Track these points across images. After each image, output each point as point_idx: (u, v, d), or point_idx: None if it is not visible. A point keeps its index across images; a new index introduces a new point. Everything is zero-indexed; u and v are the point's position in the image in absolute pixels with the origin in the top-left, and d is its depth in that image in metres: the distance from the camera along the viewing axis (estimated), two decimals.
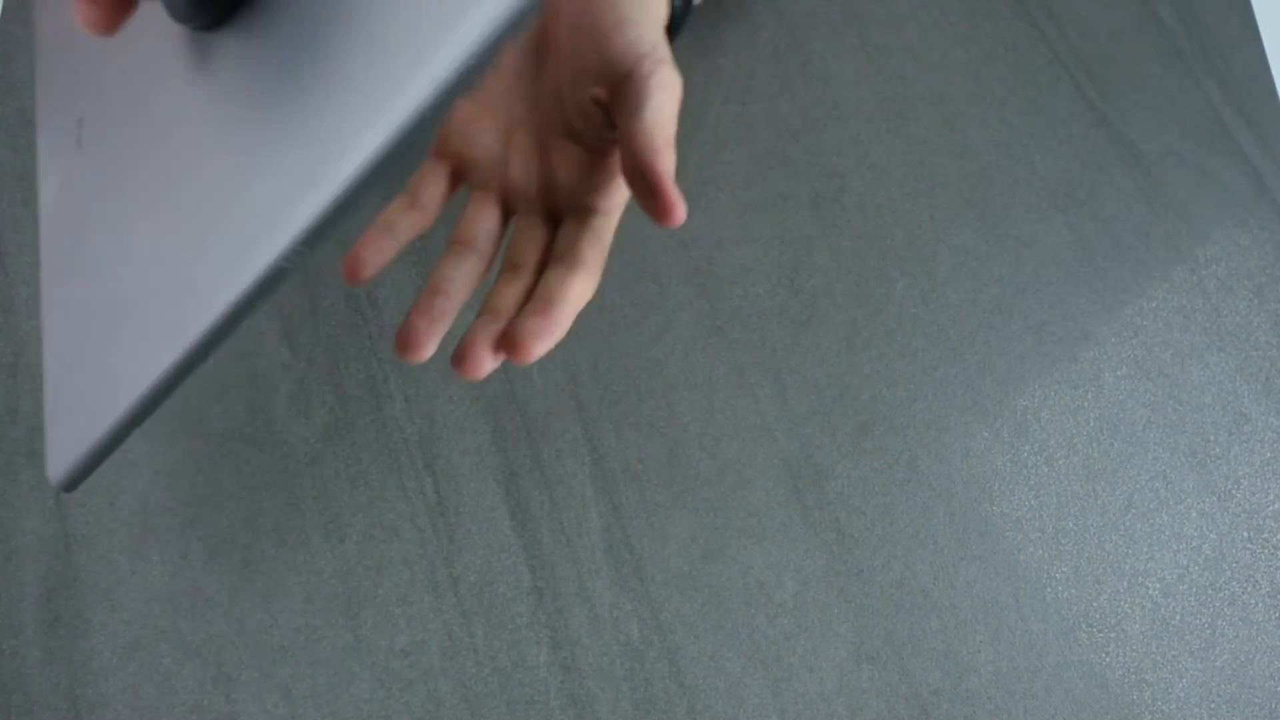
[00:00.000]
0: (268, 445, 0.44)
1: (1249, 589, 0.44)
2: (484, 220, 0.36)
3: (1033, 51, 0.53)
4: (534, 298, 0.33)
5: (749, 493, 0.44)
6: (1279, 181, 0.51)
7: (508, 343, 0.31)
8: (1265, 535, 0.45)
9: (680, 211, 0.32)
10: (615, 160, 0.36)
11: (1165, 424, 0.46)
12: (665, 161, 0.32)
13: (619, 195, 0.35)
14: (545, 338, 0.31)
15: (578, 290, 0.33)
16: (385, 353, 0.46)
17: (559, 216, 0.36)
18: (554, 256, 0.34)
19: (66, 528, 0.41)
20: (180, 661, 0.40)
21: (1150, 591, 0.44)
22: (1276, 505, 0.46)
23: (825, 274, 0.45)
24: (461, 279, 0.34)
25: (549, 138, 0.37)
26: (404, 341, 0.32)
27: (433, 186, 0.36)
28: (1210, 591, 0.44)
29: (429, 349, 0.32)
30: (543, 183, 0.36)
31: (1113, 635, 0.43)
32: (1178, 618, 0.43)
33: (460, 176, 0.37)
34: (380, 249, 0.33)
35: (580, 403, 0.45)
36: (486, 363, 0.31)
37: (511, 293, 0.34)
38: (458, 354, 0.32)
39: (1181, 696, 0.42)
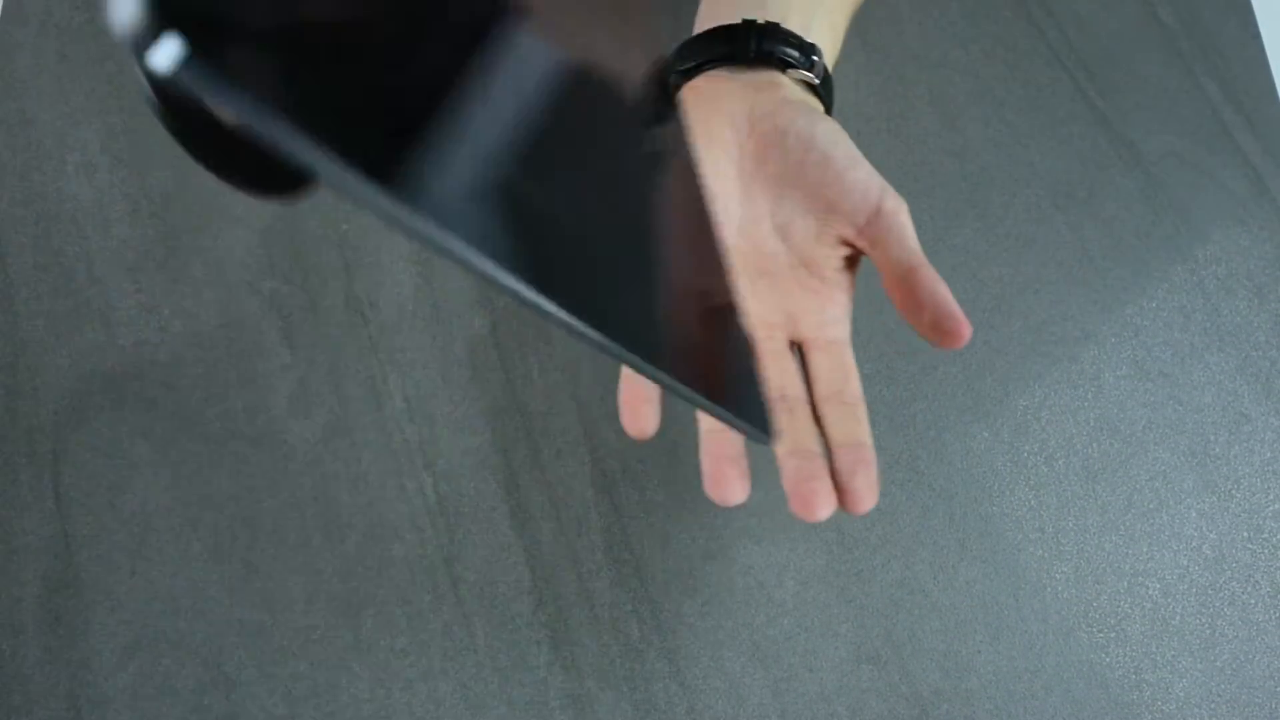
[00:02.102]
0: (268, 445, 0.44)
1: (1249, 589, 0.44)
2: None
3: (1033, 51, 0.53)
4: (845, 443, 0.35)
5: (749, 493, 0.44)
6: (1279, 181, 0.51)
7: (849, 498, 0.34)
8: (1265, 535, 0.45)
9: (968, 331, 0.34)
10: (847, 289, 0.38)
11: (1165, 424, 0.46)
12: (947, 291, 0.35)
13: (850, 321, 0.38)
14: (876, 487, 0.34)
15: (869, 428, 0.36)
16: (385, 353, 0.46)
17: (798, 344, 0.38)
18: (831, 397, 0.36)
19: (66, 528, 0.41)
20: (180, 661, 0.40)
21: (1150, 591, 0.44)
22: (1276, 505, 0.46)
23: None
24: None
25: (770, 265, 0.38)
26: (719, 491, 0.34)
27: None
28: (1210, 591, 0.44)
29: (744, 487, 0.35)
30: (781, 313, 0.38)
31: (1113, 635, 0.43)
32: (1178, 618, 0.43)
33: None
34: (650, 397, 0.36)
35: (580, 403, 0.45)
36: (829, 509, 0.34)
37: (807, 429, 0.36)
38: (801, 500, 0.34)
39: (1181, 696, 0.42)
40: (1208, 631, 0.43)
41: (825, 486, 0.34)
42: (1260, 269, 0.49)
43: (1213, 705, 0.42)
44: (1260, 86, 0.54)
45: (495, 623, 0.41)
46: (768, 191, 0.38)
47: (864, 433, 0.35)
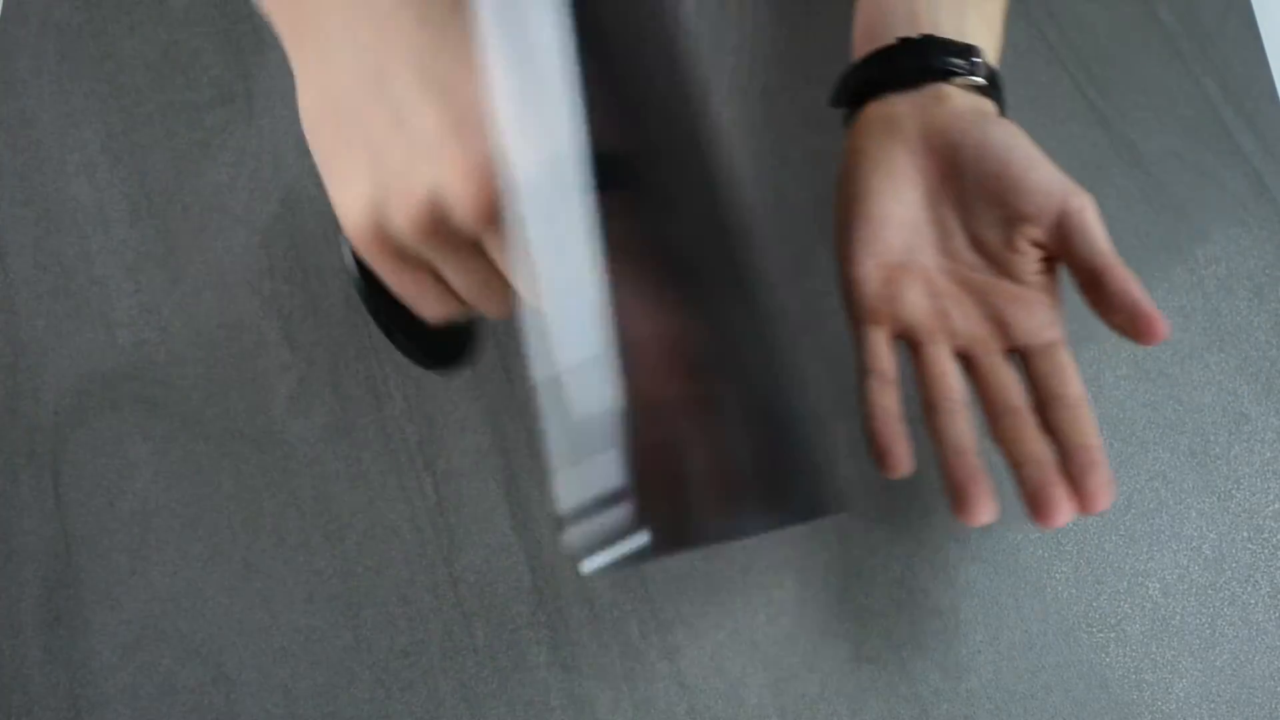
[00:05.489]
0: (268, 445, 0.44)
1: (1249, 589, 0.44)
2: (951, 374, 0.38)
3: (1032, 52, 0.53)
4: (1074, 446, 0.36)
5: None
6: (1279, 181, 0.51)
7: (1085, 500, 0.35)
8: (1265, 535, 0.45)
9: (1164, 328, 0.35)
10: (1051, 290, 0.38)
11: (1165, 424, 0.46)
12: (1139, 288, 0.36)
13: (1061, 322, 0.38)
14: (1110, 485, 0.35)
15: (1096, 427, 0.36)
16: (385, 353, 0.46)
17: (1016, 352, 0.39)
18: (1053, 400, 0.37)
19: (66, 528, 0.41)
20: (180, 661, 0.40)
21: (1150, 591, 0.44)
22: (1276, 505, 0.46)
23: (825, 275, 0.45)
24: (969, 432, 0.37)
25: (974, 280, 0.39)
26: (971, 509, 0.35)
27: (887, 357, 0.38)
28: (1210, 591, 0.44)
29: (989, 503, 0.35)
30: (993, 325, 0.38)
31: (1113, 635, 0.43)
32: (1178, 618, 0.44)
33: (896, 337, 0.39)
34: (901, 434, 0.37)
35: None
36: (1068, 515, 0.35)
37: (1036, 438, 0.36)
38: (1041, 507, 0.35)
39: (1181, 696, 0.42)
40: (1208, 631, 0.43)
41: (1061, 492, 0.35)
42: (1260, 269, 0.49)
43: (1213, 705, 0.42)
44: (1260, 86, 0.54)
45: (495, 623, 0.42)
46: (954, 207, 0.39)
47: (1090, 433, 0.36)
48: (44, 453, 0.42)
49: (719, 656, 0.41)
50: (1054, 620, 0.43)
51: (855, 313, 0.39)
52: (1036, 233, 0.37)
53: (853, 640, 0.42)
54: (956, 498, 0.36)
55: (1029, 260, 0.38)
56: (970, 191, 0.38)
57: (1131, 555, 0.44)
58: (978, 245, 0.39)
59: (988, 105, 0.41)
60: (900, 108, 0.40)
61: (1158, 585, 0.44)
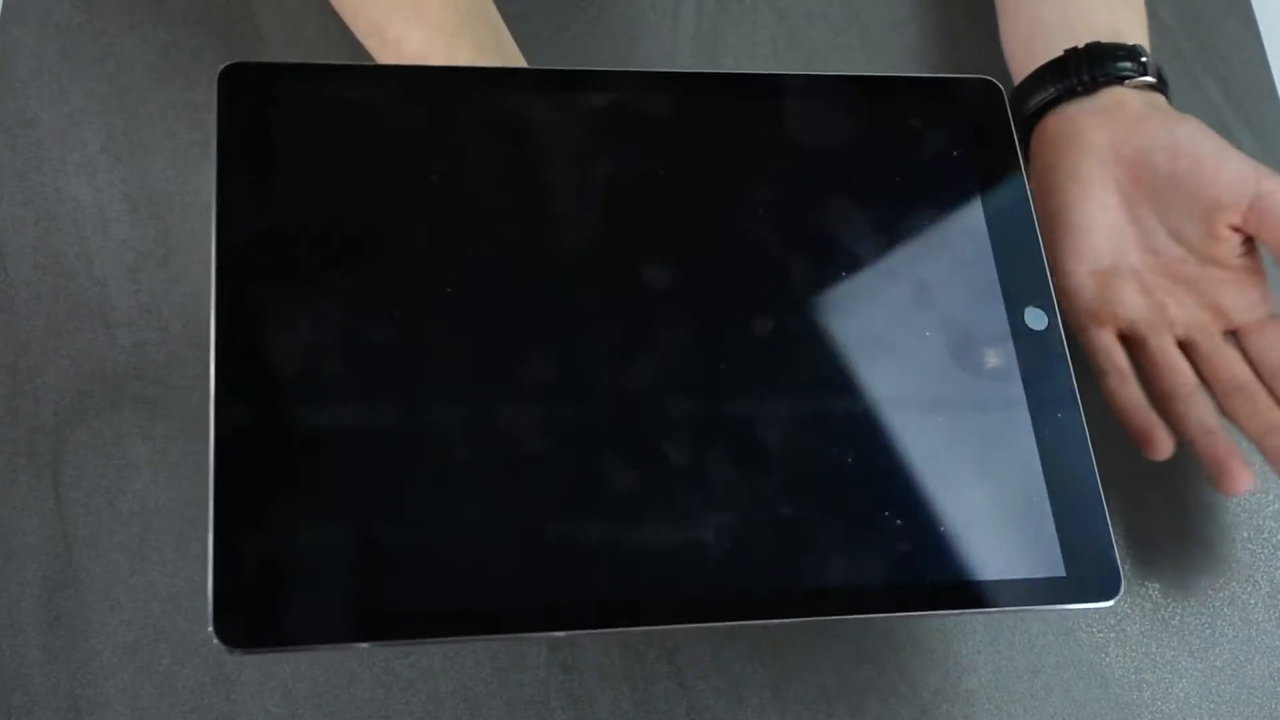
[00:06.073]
0: None
1: (1249, 589, 0.44)
2: (1179, 361, 0.40)
3: None
4: None
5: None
6: None
7: None
8: (1265, 535, 0.45)
9: None
10: (1257, 270, 0.41)
11: None
12: None
13: (1270, 298, 0.40)
14: None
15: None
16: None
17: (1232, 333, 0.41)
18: (1277, 369, 0.39)
19: (66, 528, 0.41)
20: (180, 661, 0.40)
21: (1150, 591, 0.44)
22: (1276, 505, 0.46)
23: None
24: (1212, 411, 0.40)
25: (1182, 271, 0.41)
26: (1233, 481, 0.38)
27: (1120, 354, 0.40)
28: (1210, 591, 0.44)
29: (1248, 473, 0.38)
30: (1208, 311, 0.40)
31: (1113, 635, 0.43)
32: (1178, 618, 0.44)
33: (1118, 336, 0.41)
34: (1156, 420, 0.39)
35: None
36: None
37: (1272, 407, 0.39)
38: (1229, 477, 0.38)
39: (1181, 696, 0.42)
40: (1208, 631, 0.43)
41: None
42: None
43: (1213, 705, 0.42)
44: (1260, 86, 0.54)
45: None
46: (1151, 205, 0.41)
47: None
48: (44, 453, 0.42)
49: (719, 656, 0.41)
50: (1054, 620, 0.43)
51: (1078, 319, 0.41)
52: (1235, 218, 0.39)
53: (853, 640, 0.42)
54: (1217, 474, 0.38)
55: (1230, 245, 0.39)
56: (1166, 190, 0.40)
57: (1131, 555, 0.44)
58: (1179, 238, 0.40)
59: (1161, 101, 0.42)
60: (1082, 119, 0.41)
61: (1158, 585, 0.44)
